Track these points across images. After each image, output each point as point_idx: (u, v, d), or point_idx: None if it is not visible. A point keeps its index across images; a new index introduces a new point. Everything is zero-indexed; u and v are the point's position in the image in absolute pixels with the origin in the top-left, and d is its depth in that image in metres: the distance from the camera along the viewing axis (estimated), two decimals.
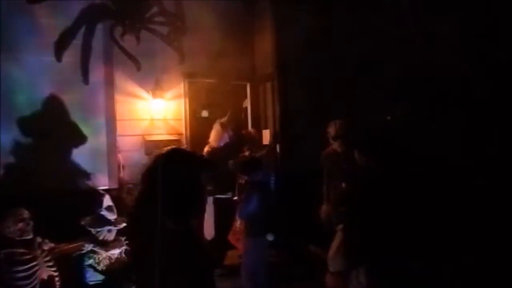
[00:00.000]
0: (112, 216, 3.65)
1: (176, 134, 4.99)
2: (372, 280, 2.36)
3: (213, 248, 4.18)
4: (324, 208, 3.63)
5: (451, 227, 2.93)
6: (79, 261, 3.47)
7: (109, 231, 3.59)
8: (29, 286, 2.86)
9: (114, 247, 3.56)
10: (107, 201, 3.72)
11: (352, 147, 2.99)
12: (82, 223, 3.57)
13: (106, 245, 3.55)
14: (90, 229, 3.54)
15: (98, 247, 3.50)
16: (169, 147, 1.53)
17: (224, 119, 4.46)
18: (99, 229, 3.55)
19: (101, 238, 3.54)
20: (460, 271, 2.62)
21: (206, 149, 4.34)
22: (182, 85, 5.07)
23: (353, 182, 2.93)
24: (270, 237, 3.34)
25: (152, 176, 1.41)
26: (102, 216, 3.61)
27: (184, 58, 4.94)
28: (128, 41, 4.52)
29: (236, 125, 4.66)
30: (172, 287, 1.33)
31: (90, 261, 3.48)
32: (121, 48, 4.46)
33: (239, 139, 4.28)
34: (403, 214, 2.40)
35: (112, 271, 3.49)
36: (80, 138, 4.34)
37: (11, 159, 3.99)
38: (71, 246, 3.42)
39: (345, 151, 3.44)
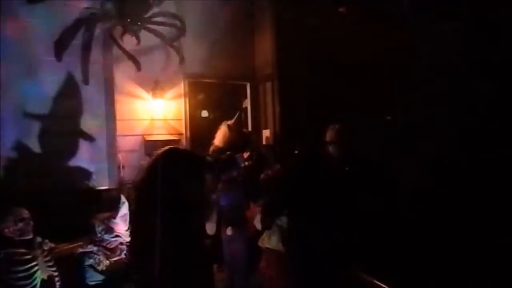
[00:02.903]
0: (124, 228, 3.62)
1: (176, 134, 5.00)
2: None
3: (214, 243, 4.21)
4: None
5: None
6: (79, 261, 3.47)
7: (115, 239, 3.57)
8: (29, 286, 2.85)
9: (114, 252, 3.54)
10: (124, 209, 3.70)
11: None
12: (96, 226, 3.53)
13: (107, 250, 3.53)
14: (98, 234, 3.52)
15: (100, 251, 3.48)
16: (166, 147, 1.54)
17: (231, 122, 4.49)
18: (107, 238, 3.53)
19: (104, 244, 3.52)
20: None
21: (211, 148, 4.35)
22: (182, 85, 5.07)
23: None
24: (229, 231, 3.62)
25: (151, 175, 1.42)
26: (115, 224, 3.59)
27: (184, 58, 4.94)
28: (128, 41, 4.52)
29: (242, 127, 4.70)
30: (172, 285, 1.33)
31: (90, 261, 3.47)
32: (121, 48, 4.46)
33: (244, 140, 4.31)
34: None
35: (112, 271, 3.48)
36: (80, 138, 4.34)
37: (11, 159, 3.99)
38: (71, 246, 3.41)
39: (338, 156, 3.45)
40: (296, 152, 3.51)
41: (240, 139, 4.32)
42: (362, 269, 2.79)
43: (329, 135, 3.47)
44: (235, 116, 4.57)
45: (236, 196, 3.71)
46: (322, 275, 2.59)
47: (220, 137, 4.40)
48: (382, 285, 2.70)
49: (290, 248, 2.82)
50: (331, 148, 3.46)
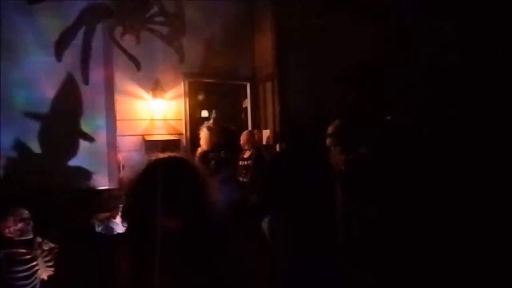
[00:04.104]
0: (124, 228, 3.63)
1: (176, 134, 5.00)
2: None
3: None
4: None
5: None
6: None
7: None
8: (29, 286, 2.85)
9: None
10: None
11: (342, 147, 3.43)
12: (95, 226, 3.53)
13: None
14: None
15: None
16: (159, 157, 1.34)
17: (209, 123, 4.52)
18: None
19: None
20: None
21: (198, 152, 4.41)
22: (182, 85, 5.07)
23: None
24: None
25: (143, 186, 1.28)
26: (115, 224, 3.59)
27: (184, 58, 4.94)
28: (128, 41, 4.52)
29: (223, 126, 4.71)
30: None
31: None
32: (121, 48, 4.46)
33: (230, 138, 4.34)
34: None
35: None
36: (80, 138, 4.34)
37: (11, 159, 3.99)
38: None
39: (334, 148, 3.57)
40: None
41: (224, 138, 4.35)
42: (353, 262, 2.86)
43: (329, 129, 3.59)
44: (212, 117, 4.61)
45: (230, 194, 3.79)
46: (303, 262, 2.63)
47: (203, 139, 4.44)
48: (363, 272, 2.74)
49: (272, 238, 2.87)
50: (328, 140, 3.57)
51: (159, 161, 1.31)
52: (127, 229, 1.38)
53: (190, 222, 1.24)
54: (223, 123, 4.78)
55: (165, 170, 1.28)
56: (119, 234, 3.44)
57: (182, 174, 1.29)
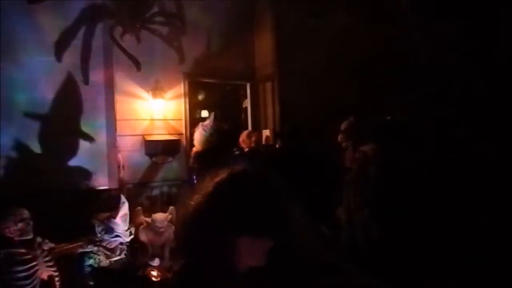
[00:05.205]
0: (124, 227, 3.62)
1: (176, 134, 5.00)
2: None
3: None
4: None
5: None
6: (79, 261, 3.47)
7: (115, 239, 3.57)
8: (29, 286, 2.85)
9: (114, 252, 3.54)
10: (124, 209, 3.70)
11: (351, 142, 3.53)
12: (95, 226, 3.52)
13: (107, 250, 3.53)
14: (98, 234, 3.52)
15: (100, 251, 3.48)
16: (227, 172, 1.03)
17: (205, 123, 4.49)
18: (107, 238, 3.53)
19: (104, 244, 3.52)
20: None
21: (193, 150, 4.37)
22: (182, 85, 5.07)
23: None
24: None
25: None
26: (115, 224, 3.59)
27: (184, 58, 4.95)
28: (128, 41, 4.52)
29: (216, 125, 4.68)
30: None
31: (90, 261, 3.47)
32: (121, 48, 4.46)
33: (227, 137, 4.33)
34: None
35: (112, 272, 3.49)
36: (80, 138, 4.34)
37: (11, 159, 3.98)
38: (71, 246, 3.41)
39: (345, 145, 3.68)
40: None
41: (218, 138, 4.34)
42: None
43: (342, 125, 3.64)
44: (211, 117, 4.58)
45: None
46: None
47: (197, 140, 4.39)
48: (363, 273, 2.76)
49: None
50: (340, 137, 3.61)
51: (231, 179, 1.01)
52: (188, 267, 1.09)
53: (276, 255, 0.97)
54: (218, 122, 4.75)
55: (244, 190, 0.99)
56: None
57: (265, 193, 0.99)
